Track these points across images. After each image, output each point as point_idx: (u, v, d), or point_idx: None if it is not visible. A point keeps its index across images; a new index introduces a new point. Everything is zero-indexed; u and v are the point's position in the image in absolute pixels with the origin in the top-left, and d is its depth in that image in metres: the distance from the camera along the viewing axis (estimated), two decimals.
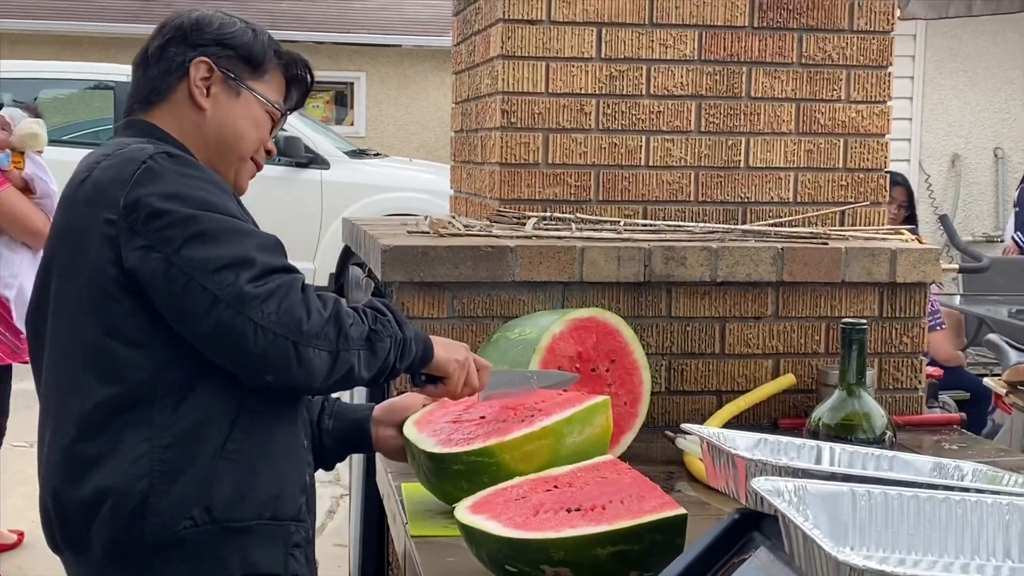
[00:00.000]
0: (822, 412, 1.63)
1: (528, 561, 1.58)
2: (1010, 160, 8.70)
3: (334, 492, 5.59)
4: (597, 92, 2.80)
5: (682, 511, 1.56)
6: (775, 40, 2.84)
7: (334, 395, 2.21)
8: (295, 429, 1.95)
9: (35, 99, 9.71)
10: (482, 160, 3.01)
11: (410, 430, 2.04)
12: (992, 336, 4.74)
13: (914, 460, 1.45)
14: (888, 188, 5.89)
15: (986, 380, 4.27)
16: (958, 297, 6.55)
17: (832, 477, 1.23)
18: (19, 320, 4.14)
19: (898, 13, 6.59)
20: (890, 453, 1.45)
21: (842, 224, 2.90)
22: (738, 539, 1.32)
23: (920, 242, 3.24)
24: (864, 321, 1.63)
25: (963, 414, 2.84)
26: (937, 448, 2.53)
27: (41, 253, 4.21)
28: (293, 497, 1.91)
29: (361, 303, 1.91)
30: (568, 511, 1.63)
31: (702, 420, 2.58)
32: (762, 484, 1.15)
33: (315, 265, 9.33)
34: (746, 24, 2.83)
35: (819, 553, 1.00)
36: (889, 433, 1.59)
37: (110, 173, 1.83)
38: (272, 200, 9.09)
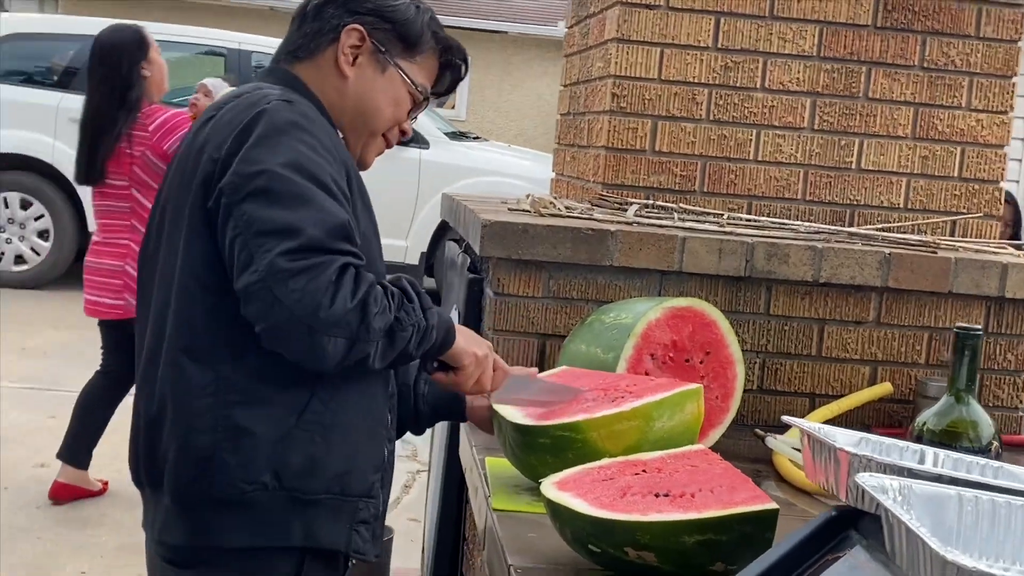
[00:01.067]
0: (927, 417, 1.58)
1: (612, 543, 1.56)
2: None
3: (410, 467, 5.62)
4: (710, 82, 2.77)
5: (774, 505, 1.53)
6: (897, 41, 2.78)
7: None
8: (378, 406, 1.95)
9: None
10: (588, 144, 2.99)
11: (496, 406, 2.04)
12: None
13: (1022, 472, 1.41)
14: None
15: None
16: None
17: (939, 479, 1.19)
18: None
19: None
20: (996, 463, 1.41)
21: (952, 234, 2.83)
22: (833, 536, 1.29)
23: None
24: (979, 328, 1.59)
25: None
26: None
27: None
28: (365, 474, 1.91)
29: (392, 281, 1.87)
30: (656, 496, 1.60)
31: None
32: (867, 480, 1.12)
33: (407, 243, 9.39)
34: (869, 23, 2.77)
35: (924, 551, 0.97)
36: (996, 443, 1.54)
37: (229, 115, 1.84)
38: (369, 176, 9.11)
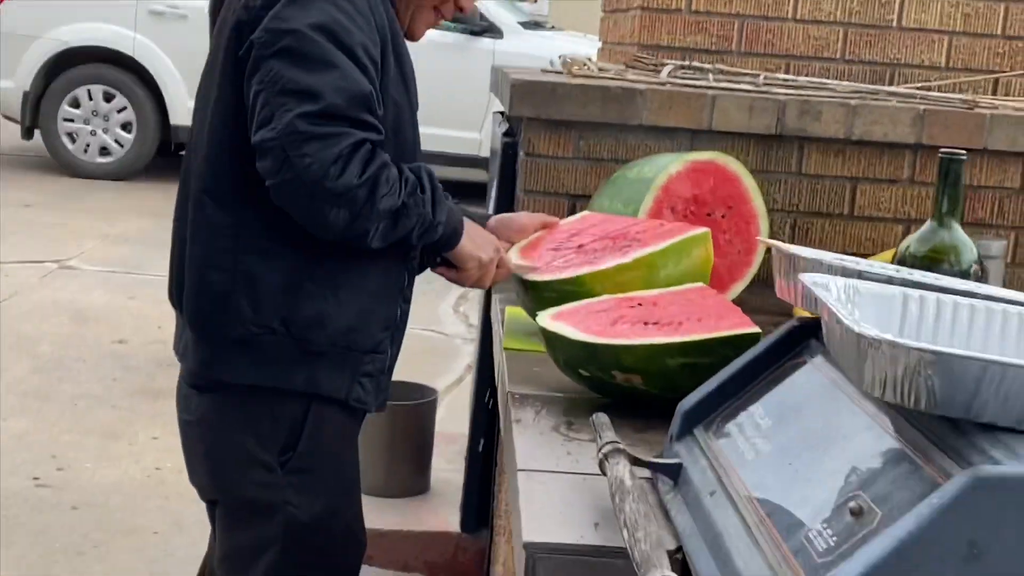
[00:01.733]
0: (910, 241, 1.60)
1: (599, 366, 1.61)
2: None
3: (473, 349, 5.72)
4: None
5: (756, 329, 1.57)
6: None
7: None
8: (395, 267, 1.98)
9: None
10: (627, 7, 2.98)
11: (515, 255, 2.09)
12: None
13: (998, 291, 1.42)
14: None
15: None
16: None
17: (890, 281, 1.22)
18: None
19: None
20: (973, 284, 1.42)
21: (995, 94, 2.78)
22: (796, 344, 1.32)
23: None
24: (963, 153, 1.59)
25: None
26: None
27: None
28: (373, 332, 1.96)
29: (413, 170, 1.89)
30: (645, 324, 1.65)
31: None
32: (811, 278, 1.15)
33: (481, 136, 9.40)
34: None
35: (842, 334, 1.00)
36: (976, 267, 1.56)
37: None
38: (444, 68, 9.16)
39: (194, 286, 1.91)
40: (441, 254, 2.01)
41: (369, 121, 1.79)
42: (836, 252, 2.62)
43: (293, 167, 1.73)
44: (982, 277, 1.51)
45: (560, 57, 2.82)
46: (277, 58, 1.76)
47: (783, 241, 2.61)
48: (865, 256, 2.58)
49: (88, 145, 9.23)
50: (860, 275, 1.23)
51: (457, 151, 9.43)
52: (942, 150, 1.60)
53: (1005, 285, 2.46)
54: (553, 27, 10.96)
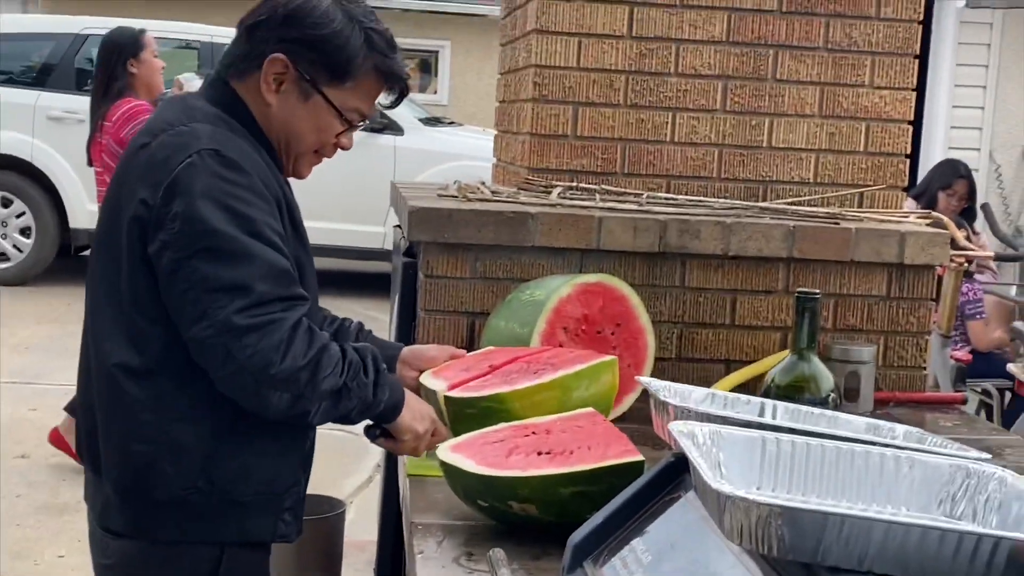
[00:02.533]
0: (775, 373, 1.75)
1: (497, 497, 1.72)
2: None
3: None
4: (627, 69, 2.92)
5: (640, 458, 1.69)
6: (802, 24, 2.93)
7: (367, 327, 2.35)
8: None
9: None
10: (517, 130, 3.14)
11: (427, 378, 2.18)
12: (1017, 324, 4.77)
13: (852, 419, 1.57)
14: (952, 180, 5.91)
15: (1009, 366, 4.32)
16: (1014, 288, 6.56)
17: (748, 425, 1.35)
18: None
19: (961, 3, 6.57)
20: (830, 413, 1.57)
21: (861, 206, 2.98)
22: (671, 480, 1.45)
23: (970, 234, 3.31)
24: (817, 291, 1.75)
25: (965, 393, 2.92)
26: (933, 424, 2.62)
27: None
28: (292, 471, 2.04)
29: (358, 350, 1.95)
30: (539, 454, 1.76)
31: (709, 386, 2.70)
32: (678, 427, 1.28)
33: (385, 230, 9.52)
34: (774, 8, 2.92)
35: (703, 485, 1.13)
36: (833, 395, 1.70)
37: (164, 153, 1.89)
38: (346, 164, 9.20)
39: (117, 458, 1.95)
40: (380, 426, 2.06)
41: (296, 294, 1.87)
42: (720, 358, 2.80)
43: (235, 360, 1.80)
44: (841, 405, 1.66)
45: (455, 182, 2.96)
46: (197, 259, 1.82)
47: (671, 352, 2.76)
48: (748, 362, 2.75)
49: None
50: (724, 420, 1.36)
51: (362, 245, 9.58)
52: (798, 290, 1.76)
53: (877, 389, 2.64)
54: (452, 122, 11.18)
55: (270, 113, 1.99)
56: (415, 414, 2.03)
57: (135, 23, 11.04)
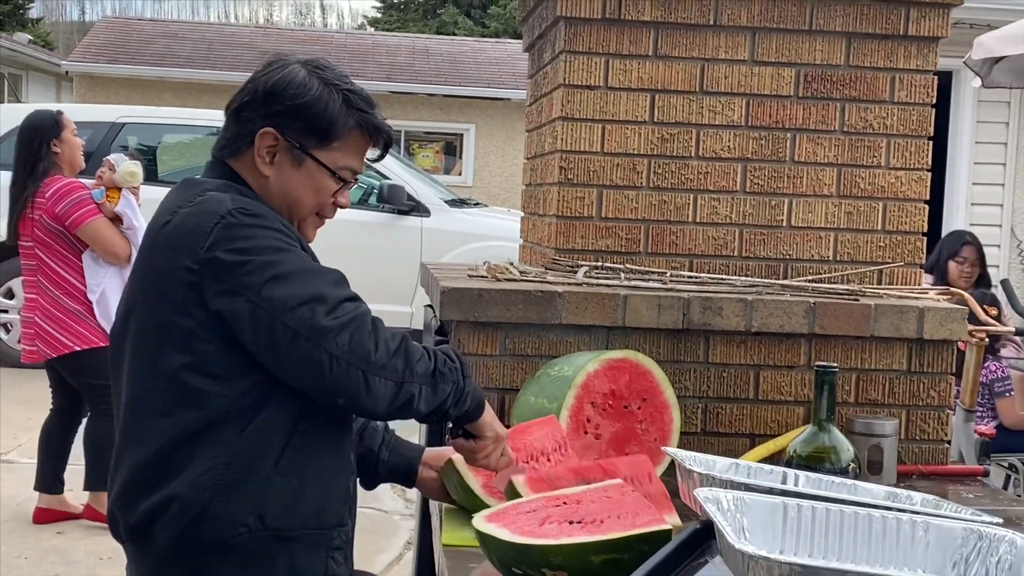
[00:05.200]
0: (796, 444, 1.81)
1: (530, 564, 1.78)
2: None
3: (412, 524, 5.82)
4: (649, 153, 3.02)
5: (668, 526, 1.75)
6: (818, 108, 3.03)
7: (393, 428, 2.45)
8: (343, 446, 2.17)
9: (158, 143, 10.28)
10: (543, 212, 3.24)
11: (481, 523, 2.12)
12: None
13: (871, 488, 1.63)
14: (959, 247, 5.98)
15: None
16: None
17: (771, 492, 1.42)
18: (101, 318, 5.19)
19: (978, 82, 6.65)
20: (850, 481, 1.63)
21: (879, 282, 3.06)
22: (699, 545, 1.51)
23: (989, 306, 3.37)
24: (835, 365, 1.82)
25: (987, 466, 2.96)
26: (955, 496, 2.66)
27: (121, 268, 5.23)
28: (336, 507, 2.14)
29: (435, 347, 2.09)
30: (571, 523, 1.83)
31: None
32: (703, 493, 1.35)
33: (412, 309, 9.63)
34: (791, 94, 3.02)
35: (727, 546, 1.20)
36: (854, 465, 1.77)
37: (191, 222, 2.01)
38: (374, 245, 9.48)
39: (173, 507, 2.02)
40: (464, 425, 2.15)
41: (357, 295, 2.00)
42: (745, 432, 2.86)
43: (339, 360, 1.91)
44: (861, 475, 1.72)
45: (484, 263, 3.05)
46: (267, 289, 1.94)
47: (697, 426, 2.83)
48: (772, 436, 2.81)
49: (21, 335, 9.27)
50: (746, 487, 1.43)
51: (390, 325, 9.65)
52: (817, 364, 1.83)
53: (899, 462, 2.69)
54: (477, 203, 11.34)
55: (268, 185, 2.11)
56: (494, 415, 2.15)
57: (167, 111, 11.35)
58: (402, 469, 2.39)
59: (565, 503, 1.92)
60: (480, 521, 1.88)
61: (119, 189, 5.40)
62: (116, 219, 5.33)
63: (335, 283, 2.00)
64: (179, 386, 2.03)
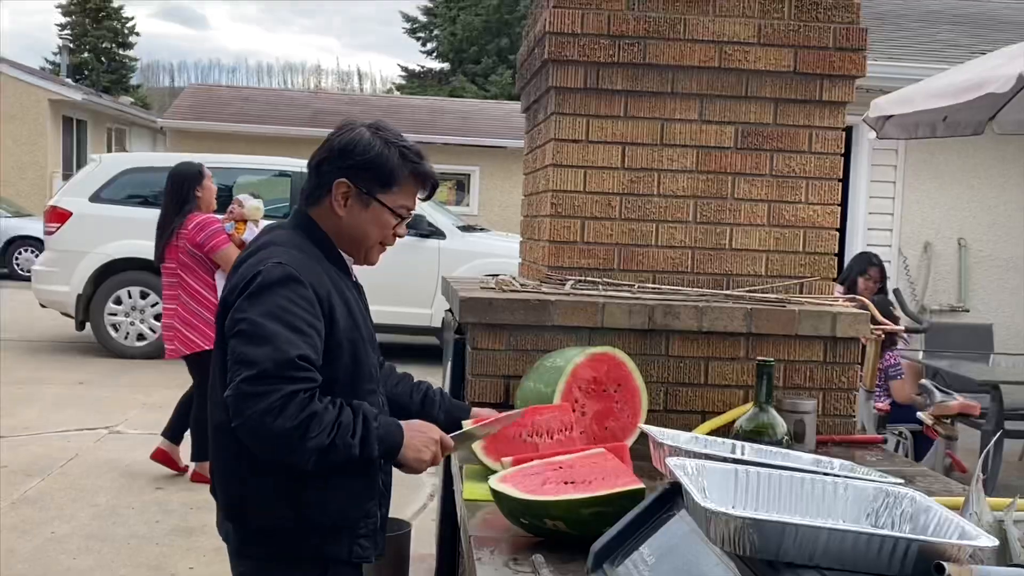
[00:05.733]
0: (742, 422, 1.81)
1: (534, 515, 1.78)
2: (971, 248, 8.67)
3: (434, 480, 5.81)
4: (621, 192, 3.01)
5: (642, 486, 1.74)
6: (753, 157, 3.03)
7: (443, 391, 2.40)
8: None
9: (234, 183, 10.28)
10: (538, 238, 3.24)
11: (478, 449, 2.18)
12: (924, 381, 4.79)
13: (800, 455, 1.63)
14: (867, 267, 5.93)
15: (919, 414, 4.34)
16: (921, 353, 6.58)
17: (724, 460, 1.42)
18: None
19: (873, 135, 6.64)
20: (784, 451, 1.63)
21: (801, 292, 3.05)
22: (668, 502, 1.51)
23: (874, 311, 3.36)
24: (771, 359, 1.82)
25: (885, 435, 2.95)
26: (861, 459, 2.66)
27: None
28: (363, 504, 2.07)
29: (359, 416, 1.91)
30: (566, 483, 1.82)
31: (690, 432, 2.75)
32: (672, 461, 1.34)
33: (431, 311, 9.63)
34: (732, 145, 3.02)
35: (693, 504, 1.20)
36: (786, 438, 1.77)
37: (248, 266, 2.01)
38: (402, 262, 9.45)
39: (223, 497, 2.05)
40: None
41: (299, 376, 1.85)
42: (698, 410, 2.85)
43: (241, 416, 1.84)
44: (792, 445, 1.71)
45: (493, 276, 3.04)
46: (234, 338, 1.91)
47: (660, 406, 2.82)
48: (718, 413, 2.80)
49: (128, 333, 9.29)
50: (706, 456, 1.43)
51: (414, 323, 9.69)
52: (758, 359, 1.82)
53: (818, 433, 2.68)
54: (482, 229, 11.34)
55: (342, 224, 2.09)
56: (418, 445, 2.00)
57: (241, 158, 11.33)
58: (453, 428, 2.26)
59: (561, 468, 1.92)
60: (494, 481, 1.87)
61: (245, 221, 5.58)
62: (242, 245, 5.40)
63: (278, 361, 1.84)
64: (220, 390, 2.02)
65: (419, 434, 2.03)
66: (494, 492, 1.85)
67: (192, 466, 5.53)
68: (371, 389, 2.09)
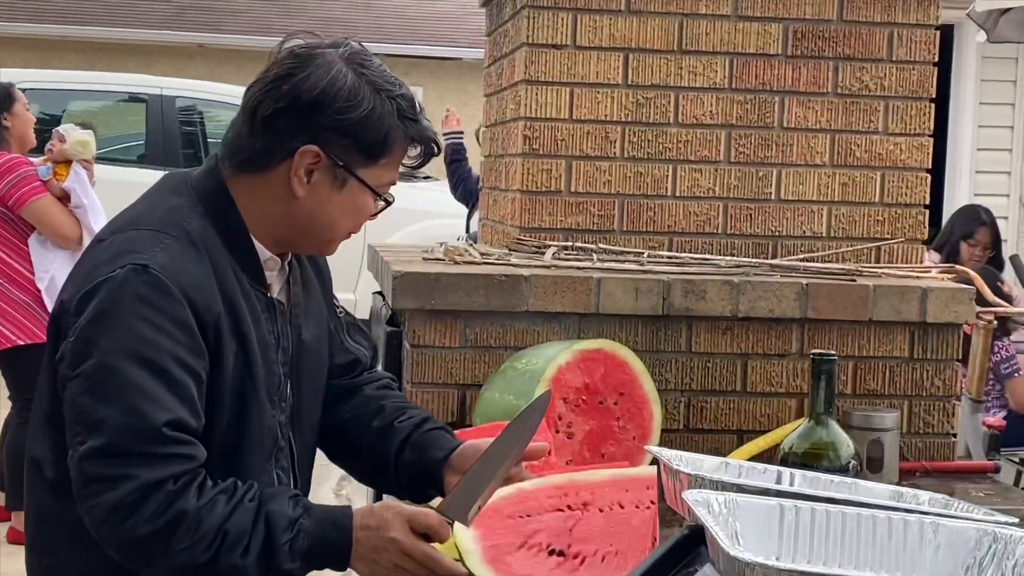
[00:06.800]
0: (792, 440, 1.85)
1: None
2: None
3: None
4: (623, 119, 3.05)
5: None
6: (810, 69, 3.07)
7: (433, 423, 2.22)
8: None
9: (63, 111, 10.21)
10: (506, 187, 3.26)
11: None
12: None
13: (874, 487, 1.67)
14: (974, 228, 6.05)
15: None
16: None
17: (765, 492, 1.45)
18: (51, 307, 4.90)
19: (983, 37, 6.74)
20: (851, 480, 1.67)
21: (878, 261, 3.10)
22: (687, 553, 1.54)
23: (982, 287, 3.43)
24: (833, 352, 1.86)
25: (998, 462, 3.02)
26: (963, 494, 2.72)
27: (73, 252, 5.22)
28: None
29: (265, 510, 1.85)
30: (551, 553, 1.86)
31: None
32: (692, 495, 1.38)
33: (356, 297, 9.63)
34: (779, 52, 3.06)
35: (720, 552, 1.23)
36: (854, 462, 1.81)
37: (104, 256, 1.91)
38: None
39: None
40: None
41: (166, 454, 1.81)
42: (732, 428, 2.90)
43: (84, 504, 1.82)
44: (863, 473, 1.76)
45: (441, 244, 3.07)
46: (76, 382, 1.84)
47: (679, 423, 2.87)
48: (762, 432, 2.86)
49: None
50: (738, 488, 1.47)
51: None
52: (813, 352, 1.86)
53: (902, 458, 2.74)
54: (428, 177, 11.33)
55: (294, 207, 1.98)
56: (375, 563, 1.88)
57: (72, 75, 11.25)
58: (426, 480, 2.14)
59: (570, 508, 1.94)
60: (462, 530, 1.88)
61: (69, 163, 5.42)
62: (65, 197, 5.34)
63: (135, 430, 1.80)
64: (43, 428, 2.02)
65: (368, 541, 1.87)
66: (456, 541, 1.87)
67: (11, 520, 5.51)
68: (258, 467, 2.00)
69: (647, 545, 1.88)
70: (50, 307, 5.12)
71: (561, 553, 1.88)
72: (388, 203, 2.04)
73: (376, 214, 2.05)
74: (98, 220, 5.35)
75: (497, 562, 1.83)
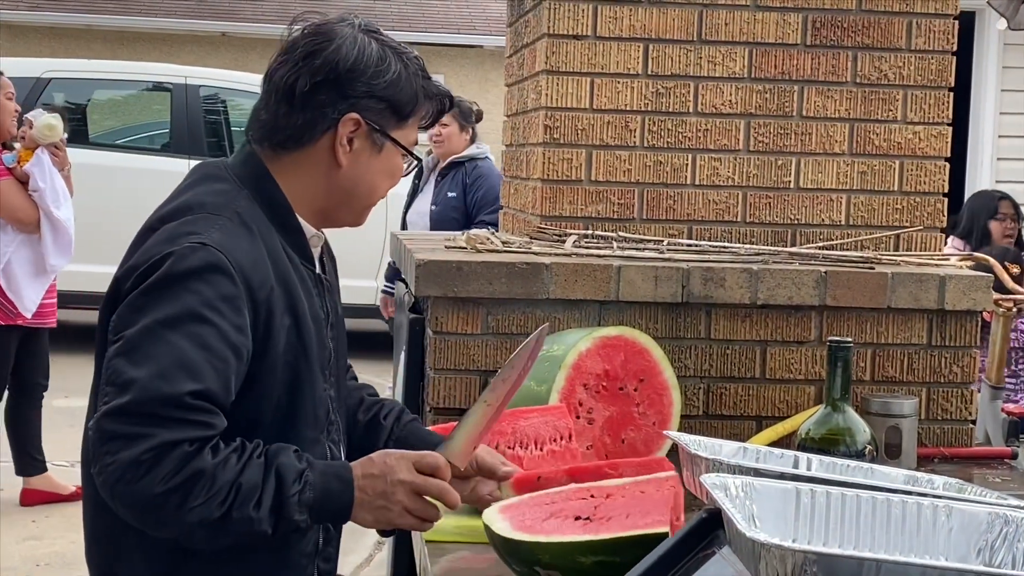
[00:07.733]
0: (808, 425, 1.88)
1: (521, 560, 1.84)
2: None
3: None
4: (642, 108, 3.07)
5: (664, 529, 1.79)
6: (828, 58, 3.08)
7: (408, 415, 2.31)
8: (296, 539, 2.03)
9: (88, 100, 10.27)
10: (527, 176, 3.29)
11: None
12: None
13: (889, 472, 1.70)
14: (996, 204, 6.03)
15: None
16: None
17: (782, 477, 1.48)
18: (8, 290, 5.24)
19: (1004, 25, 6.72)
20: (867, 465, 1.70)
21: (896, 249, 3.12)
22: (705, 536, 1.57)
23: (1011, 264, 3.44)
24: (849, 340, 1.88)
25: (1016, 447, 3.03)
26: (981, 480, 2.74)
27: (30, 236, 5.24)
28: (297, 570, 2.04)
29: (276, 464, 1.88)
30: (576, 519, 1.88)
31: None
32: (710, 479, 1.41)
33: (378, 284, 9.67)
34: (798, 42, 3.07)
35: (738, 535, 1.26)
36: (870, 448, 1.83)
37: (160, 238, 1.95)
38: None
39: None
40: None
41: (186, 420, 1.82)
42: (751, 415, 2.92)
43: (98, 463, 1.82)
44: (876, 458, 1.78)
45: (463, 233, 3.10)
46: (116, 344, 1.87)
47: (698, 409, 2.89)
48: (781, 418, 2.88)
49: None
50: (756, 472, 1.49)
51: (354, 301, 9.69)
52: (830, 339, 1.89)
53: (920, 444, 2.76)
54: None
55: (337, 176, 2.05)
56: (376, 508, 1.92)
57: (97, 64, 11.32)
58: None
59: (592, 496, 1.96)
60: (493, 510, 1.92)
61: (35, 148, 5.46)
62: (25, 180, 5.40)
63: (157, 395, 1.81)
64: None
65: (370, 487, 1.92)
66: (485, 526, 1.90)
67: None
68: (313, 438, 2.05)
69: (663, 506, 1.86)
70: (7, 291, 5.25)
71: (587, 519, 1.90)
72: (418, 159, 2.15)
73: (407, 173, 2.15)
74: (58, 203, 5.42)
75: (524, 528, 1.86)
